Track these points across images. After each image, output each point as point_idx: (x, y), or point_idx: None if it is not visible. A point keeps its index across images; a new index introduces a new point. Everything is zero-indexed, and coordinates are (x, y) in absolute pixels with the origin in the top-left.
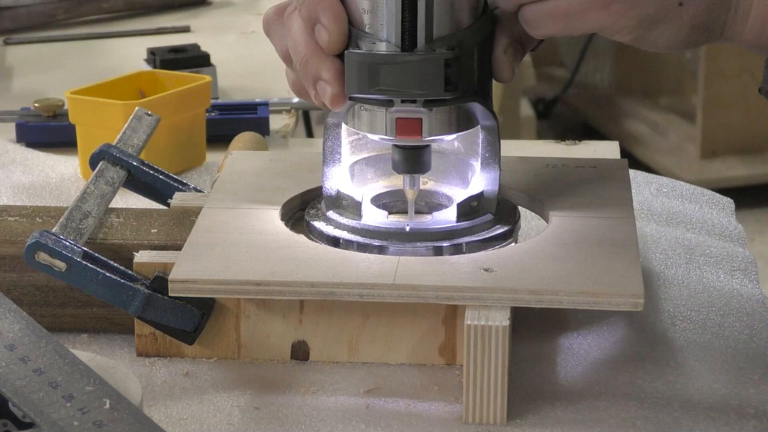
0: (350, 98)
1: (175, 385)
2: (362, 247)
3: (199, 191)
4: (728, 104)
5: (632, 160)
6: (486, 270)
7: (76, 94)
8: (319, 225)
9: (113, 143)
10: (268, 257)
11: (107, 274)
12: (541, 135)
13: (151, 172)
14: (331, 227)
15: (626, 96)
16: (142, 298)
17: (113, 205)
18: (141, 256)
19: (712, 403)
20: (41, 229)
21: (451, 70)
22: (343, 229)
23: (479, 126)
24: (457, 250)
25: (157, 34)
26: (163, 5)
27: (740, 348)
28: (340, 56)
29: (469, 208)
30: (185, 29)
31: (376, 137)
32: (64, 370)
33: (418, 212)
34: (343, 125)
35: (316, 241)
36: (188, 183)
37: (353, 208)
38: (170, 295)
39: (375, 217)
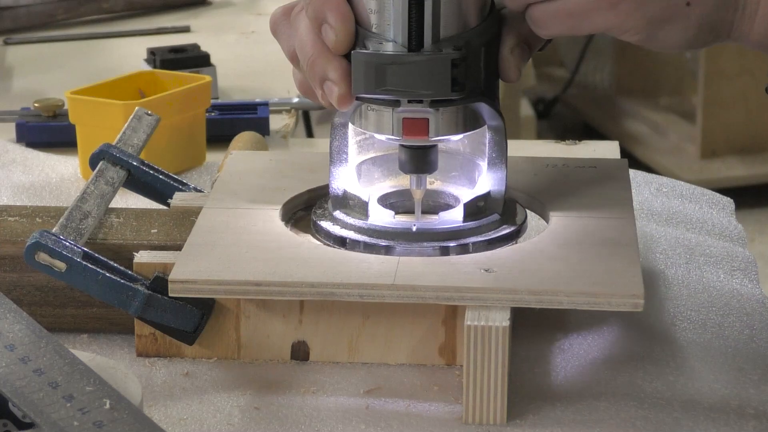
0: (357, 98)
1: (175, 385)
2: (369, 247)
3: (199, 191)
4: (728, 104)
5: (632, 160)
6: (486, 270)
7: (76, 94)
8: (325, 225)
9: (113, 143)
10: (268, 257)
11: (107, 274)
12: (541, 135)
13: (151, 172)
14: (338, 227)
15: (626, 96)
16: (142, 298)
17: (113, 205)
18: (141, 257)
19: (712, 404)
20: (41, 229)
21: (457, 70)
22: (350, 229)
23: (486, 126)
24: (463, 250)
25: (157, 34)
26: (163, 5)
27: (740, 348)
28: (347, 56)
29: (475, 208)
30: (185, 29)
31: (382, 137)
32: (64, 371)
33: (424, 212)
34: (350, 125)
35: (322, 241)
36: (188, 183)
37: (360, 208)
38: (170, 295)
39: (382, 217)
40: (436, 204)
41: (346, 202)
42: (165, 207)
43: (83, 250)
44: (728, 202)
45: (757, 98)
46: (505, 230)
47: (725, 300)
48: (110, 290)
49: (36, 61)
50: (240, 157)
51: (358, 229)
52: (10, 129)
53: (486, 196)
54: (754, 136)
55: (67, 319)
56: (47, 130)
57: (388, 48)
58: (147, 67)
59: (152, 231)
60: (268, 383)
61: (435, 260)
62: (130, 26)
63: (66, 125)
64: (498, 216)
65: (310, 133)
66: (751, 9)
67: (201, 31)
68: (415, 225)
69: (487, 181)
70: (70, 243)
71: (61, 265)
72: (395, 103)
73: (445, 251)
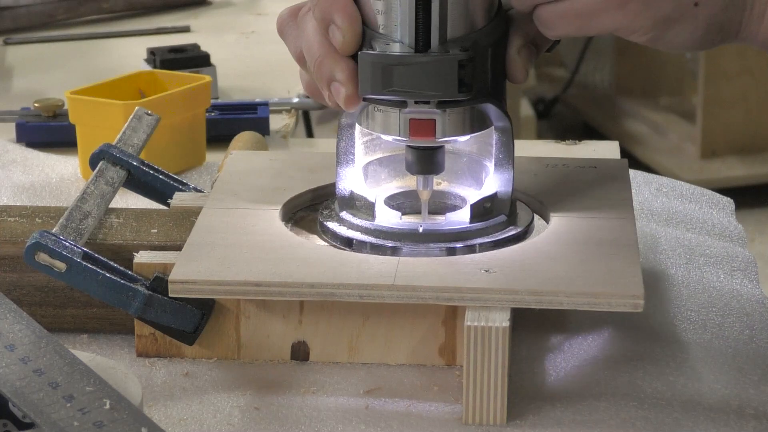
0: (364, 99)
1: (175, 386)
2: (376, 248)
3: (199, 191)
4: (728, 104)
5: (632, 160)
6: (486, 271)
7: (76, 94)
8: (332, 226)
9: (113, 143)
10: (268, 258)
11: (107, 274)
12: (541, 135)
13: (151, 172)
14: (345, 228)
15: (626, 96)
16: (142, 298)
17: (113, 205)
18: (141, 257)
19: (712, 404)
20: (41, 229)
21: (464, 71)
22: (357, 230)
23: (493, 127)
24: (470, 251)
25: (157, 34)
26: (163, 5)
27: (740, 348)
28: (354, 57)
29: (482, 209)
30: (185, 29)
31: (389, 138)
32: (64, 371)
33: (431, 213)
34: (357, 126)
35: (329, 242)
36: (188, 183)
37: (367, 208)
38: (170, 295)
39: (388, 217)
40: (443, 205)
41: (353, 202)
42: (165, 207)
43: (83, 250)
44: (728, 202)
45: (757, 98)
46: (512, 231)
47: (725, 300)
48: (110, 290)
49: (36, 61)
50: (240, 157)
51: (364, 229)
52: (10, 129)
53: (493, 197)
54: (754, 136)
55: (67, 319)
56: (47, 130)
57: (395, 49)
58: (147, 67)
59: (152, 231)
60: (268, 383)
61: (435, 260)
62: (130, 26)
63: (66, 125)
64: (505, 217)
65: (310, 133)
66: (759, 9)
67: (201, 31)
68: (421, 226)
69: (494, 182)
70: (70, 243)
71: (61, 266)
72: (402, 104)
73: (451, 252)
